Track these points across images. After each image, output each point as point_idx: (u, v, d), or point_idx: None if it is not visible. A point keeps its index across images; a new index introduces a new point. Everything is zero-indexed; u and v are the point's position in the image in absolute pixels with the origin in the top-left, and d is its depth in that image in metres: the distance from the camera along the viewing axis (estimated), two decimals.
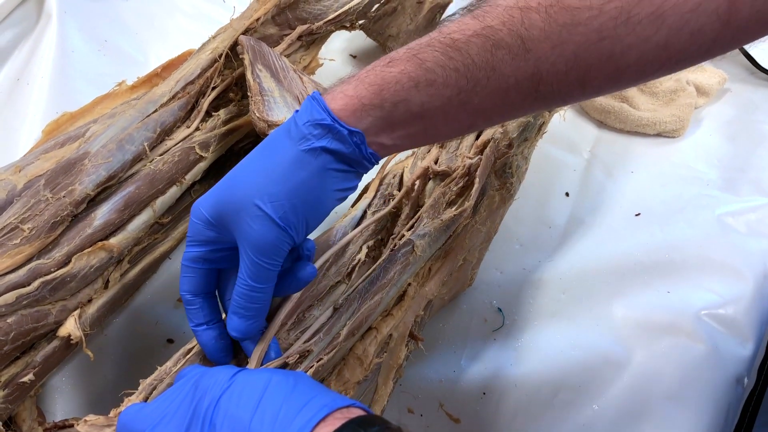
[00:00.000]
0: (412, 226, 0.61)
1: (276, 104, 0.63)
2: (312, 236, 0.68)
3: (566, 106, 0.47)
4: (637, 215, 0.80)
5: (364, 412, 0.40)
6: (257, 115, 0.61)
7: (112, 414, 0.52)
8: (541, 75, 0.46)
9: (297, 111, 0.48)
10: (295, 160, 0.46)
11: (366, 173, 0.50)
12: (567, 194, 0.83)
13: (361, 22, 0.86)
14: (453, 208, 0.62)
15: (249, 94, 0.63)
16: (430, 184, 0.65)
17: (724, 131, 0.90)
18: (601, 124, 0.92)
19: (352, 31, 0.86)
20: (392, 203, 0.62)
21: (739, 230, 0.78)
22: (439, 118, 0.48)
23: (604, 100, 0.90)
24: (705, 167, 0.85)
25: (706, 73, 0.95)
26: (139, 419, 0.45)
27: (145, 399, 0.53)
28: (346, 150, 0.47)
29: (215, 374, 0.44)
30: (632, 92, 0.91)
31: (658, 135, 0.90)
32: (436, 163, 0.66)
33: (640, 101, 0.91)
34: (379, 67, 0.48)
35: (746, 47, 1.00)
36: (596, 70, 0.45)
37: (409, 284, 0.61)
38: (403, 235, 0.60)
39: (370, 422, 0.38)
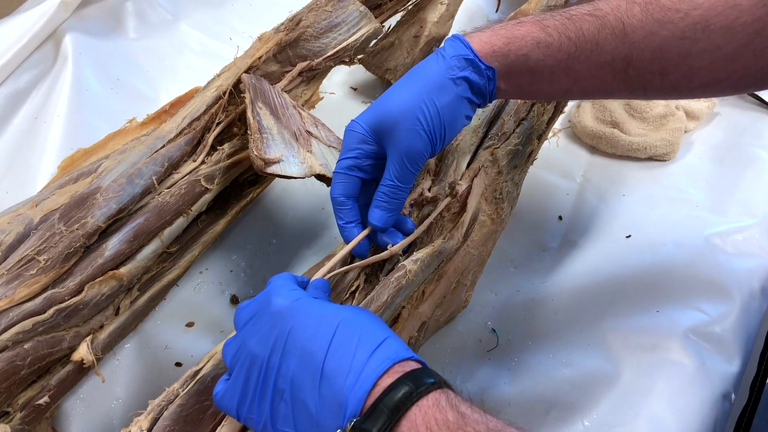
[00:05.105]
0: (405, 251, 0.64)
1: (274, 141, 0.67)
2: (312, 260, 0.71)
3: (645, 98, 0.63)
4: (628, 237, 0.82)
5: (419, 364, 0.44)
6: (255, 153, 0.64)
7: None
8: (632, 58, 0.56)
9: (442, 47, 0.58)
10: (441, 86, 0.56)
11: (483, 107, 0.61)
12: (560, 218, 0.85)
13: (359, 57, 0.89)
14: (445, 234, 0.65)
15: (249, 132, 0.66)
16: (425, 210, 0.68)
17: (713, 154, 0.92)
18: (593, 149, 0.95)
19: (352, 66, 0.89)
20: None
21: (726, 250, 0.80)
22: (546, 76, 0.58)
23: (595, 126, 0.93)
24: (694, 189, 0.88)
25: None
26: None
27: (155, 419, 0.56)
28: (480, 82, 0.57)
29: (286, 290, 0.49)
30: (623, 118, 0.94)
31: (649, 159, 0.92)
32: (429, 190, 0.69)
33: (631, 126, 0.93)
34: (510, 24, 0.59)
35: None
36: (674, 65, 0.55)
37: (403, 307, 0.64)
38: (398, 260, 0.63)
39: (422, 375, 0.42)
